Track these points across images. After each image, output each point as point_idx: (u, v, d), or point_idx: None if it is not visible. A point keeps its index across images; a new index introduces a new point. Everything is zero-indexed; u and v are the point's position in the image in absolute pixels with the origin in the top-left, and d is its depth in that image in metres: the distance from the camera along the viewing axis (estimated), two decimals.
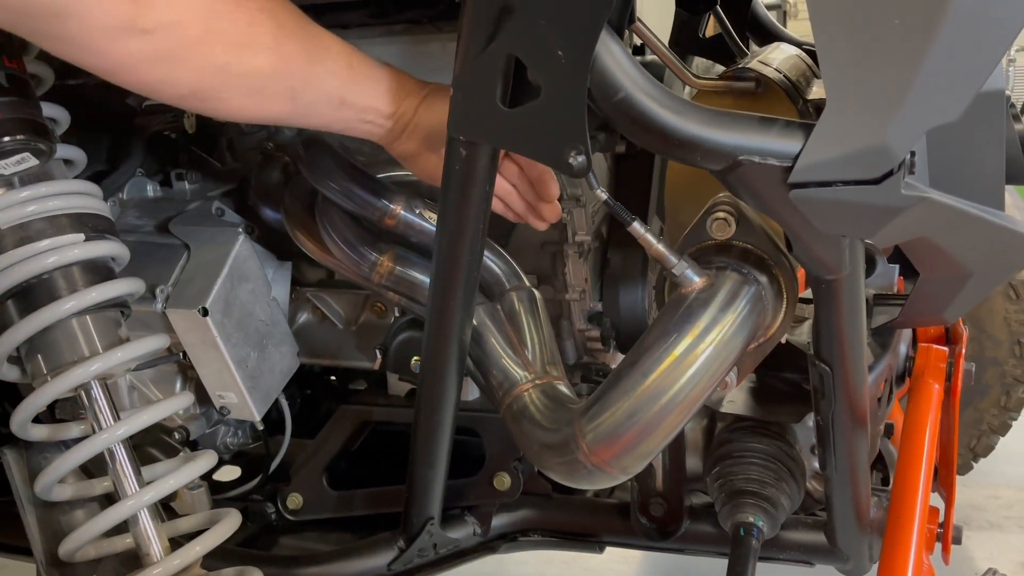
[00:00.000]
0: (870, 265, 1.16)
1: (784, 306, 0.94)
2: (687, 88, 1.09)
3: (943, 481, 1.22)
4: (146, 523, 0.84)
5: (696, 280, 0.89)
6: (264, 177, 1.36)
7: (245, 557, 1.29)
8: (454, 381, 1.07)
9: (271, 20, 0.82)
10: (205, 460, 0.90)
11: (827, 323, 0.92)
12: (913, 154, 0.77)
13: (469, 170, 0.87)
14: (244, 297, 1.19)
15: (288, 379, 1.31)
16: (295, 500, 1.37)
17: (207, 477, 1.43)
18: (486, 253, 1.12)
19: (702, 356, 0.87)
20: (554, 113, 0.77)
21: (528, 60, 0.76)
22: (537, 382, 1.05)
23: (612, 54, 0.74)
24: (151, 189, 1.40)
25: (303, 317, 1.44)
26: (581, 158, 0.78)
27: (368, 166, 1.21)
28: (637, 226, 0.89)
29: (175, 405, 0.90)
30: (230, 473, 1.54)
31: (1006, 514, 2.36)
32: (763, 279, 0.92)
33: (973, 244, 0.89)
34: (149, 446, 1.28)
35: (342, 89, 0.88)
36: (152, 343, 0.89)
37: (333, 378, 1.63)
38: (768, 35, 1.59)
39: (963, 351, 1.15)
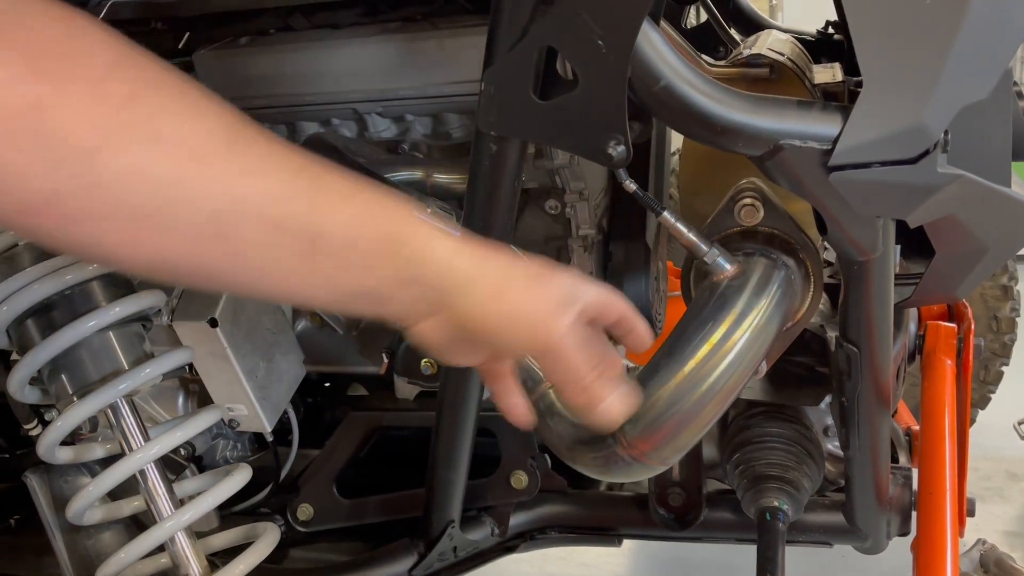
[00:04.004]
0: None
1: (812, 289, 0.95)
2: None
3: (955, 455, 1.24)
4: (183, 543, 0.81)
5: (728, 267, 0.89)
6: None
7: (261, 572, 1.26)
8: (477, 381, 1.05)
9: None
10: (240, 475, 0.87)
11: (856, 305, 0.93)
12: (947, 133, 0.78)
13: (498, 166, 0.86)
14: (251, 306, 1.16)
15: (296, 388, 1.28)
16: (305, 511, 1.34)
17: None
18: None
19: (739, 342, 0.87)
20: (593, 104, 0.76)
21: (566, 51, 0.75)
22: None
23: (652, 43, 0.74)
24: None
25: (302, 324, 1.41)
26: (621, 148, 0.77)
27: (370, 167, 1.19)
28: (667, 215, 0.89)
29: (206, 421, 0.87)
30: None
31: (986, 485, 2.42)
32: (791, 263, 0.93)
33: (994, 221, 0.91)
34: None
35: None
36: (178, 357, 0.86)
37: (328, 384, 1.60)
38: (751, 24, 1.60)
39: (972, 326, 1.18)
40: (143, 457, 0.80)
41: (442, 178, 1.20)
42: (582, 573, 2.20)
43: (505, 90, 0.80)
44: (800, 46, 1.28)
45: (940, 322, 1.18)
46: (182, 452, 1.27)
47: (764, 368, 0.95)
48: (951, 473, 0.99)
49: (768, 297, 0.89)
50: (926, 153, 0.76)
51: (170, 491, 0.82)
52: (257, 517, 1.37)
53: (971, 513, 1.18)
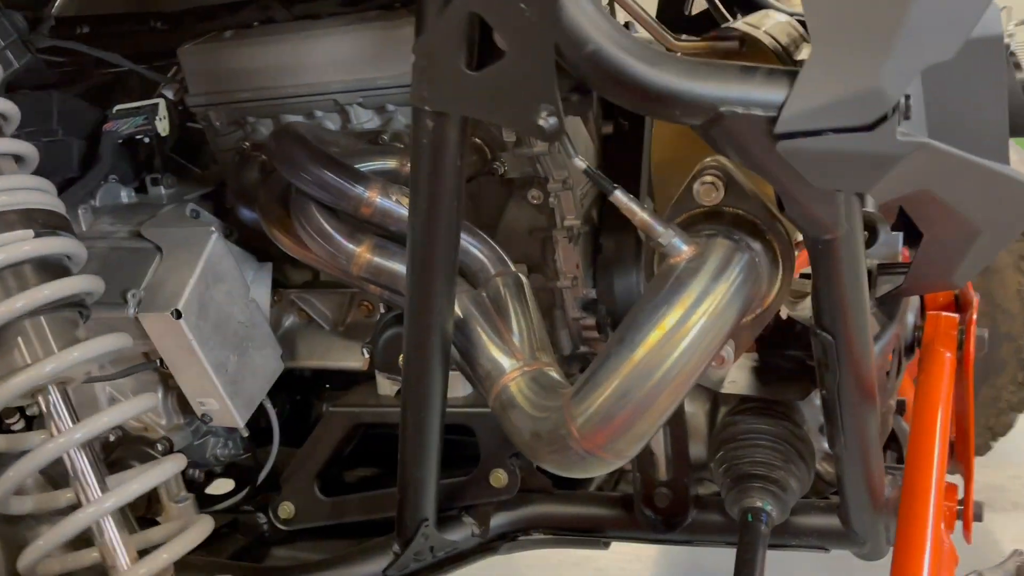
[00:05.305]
0: (872, 234, 1.11)
1: (780, 274, 0.89)
2: None
3: (960, 455, 1.16)
4: (111, 533, 0.79)
5: (684, 249, 0.84)
6: (242, 177, 1.32)
7: (237, 570, 1.24)
8: (439, 374, 1.02)
9: None
10: (171, 464, 0.85)
11: (827, 288, 0.87)
12: (908, 98, 0.72)
13: (439, 143, 0.82)
14: (220, 298, 1.14)
15: (272, 383, 1.26)
16: (287, 509, 1.32)
17: (198, 490, 1.39)
18: (468, 239, 1.07)
19: (694, 328, 0.82)
20: (521, 73, 0.72)
21: (490, 16, 0.71)
22: (526, 369, 1.00)
23: (578, 4, 0.70)
24: (125, 195, 1.36)
25: (289, 320, 1.40)
26: (552, 119, 0.73)
27: (343, 157, 1.16)
28: (619, 194, 0.84)
29: (136, 407, 0.85)
30: (225, 486, 1.49)
31: None
32: (757, 246, 0.87)
33: (978, 198, 0.84)
34: (132, 459, 1.23)
35: None
36: (110, 342, 0.84)
37: (328, 385, 1.58)
38: (757, 9, 1.54)
39: (975, 316, 1.10)
40: (65, 441, 0.78)
41: None
42: None
43: (435, 62, 0.76)
44: (799, 27, 1.22)
45: (941, 312, 1.11)
46: (159, 448, 1.26)
47: (731, 357, 0.89)
48: (938, 473, 0.92)
49: (727, 281, 0.83)
50: (884, 119, 0.70)
51: (100, 479, 0.80)
52: (239, 516, 1.36)
53: (978, 518, 1.09)
